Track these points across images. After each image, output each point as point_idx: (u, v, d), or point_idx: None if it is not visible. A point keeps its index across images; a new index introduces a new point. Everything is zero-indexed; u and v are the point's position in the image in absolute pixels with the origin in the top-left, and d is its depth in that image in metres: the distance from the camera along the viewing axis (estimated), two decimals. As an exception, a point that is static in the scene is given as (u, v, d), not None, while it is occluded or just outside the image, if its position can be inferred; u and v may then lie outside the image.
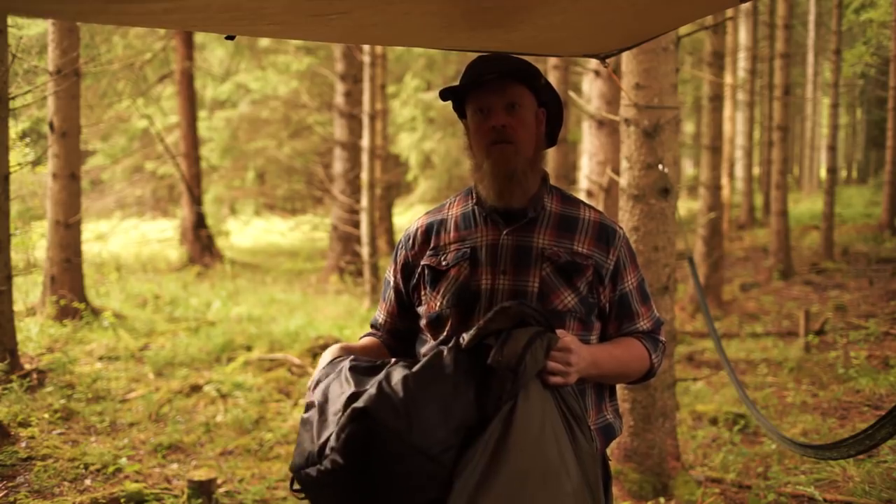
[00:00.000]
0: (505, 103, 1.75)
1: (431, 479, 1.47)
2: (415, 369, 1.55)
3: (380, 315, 2.02)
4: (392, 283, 1.96)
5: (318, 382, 1.69)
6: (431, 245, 1.87)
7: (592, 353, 1.70)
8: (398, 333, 1.97)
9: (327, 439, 1.53)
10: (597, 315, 1.81)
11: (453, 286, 1.78)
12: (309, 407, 1.65)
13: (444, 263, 1.82)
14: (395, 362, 1.64)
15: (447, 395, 1.51)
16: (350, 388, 1.61)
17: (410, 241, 1.91)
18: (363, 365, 1.69)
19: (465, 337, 1.57)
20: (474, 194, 1.87)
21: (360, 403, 1.50)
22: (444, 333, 1.78)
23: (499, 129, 1.74)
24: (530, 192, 1.79)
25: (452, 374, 1.53)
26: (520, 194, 1.77)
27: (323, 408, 1.61)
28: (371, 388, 1.54)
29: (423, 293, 1.85)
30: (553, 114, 1.87)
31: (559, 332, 1.62)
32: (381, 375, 1.57)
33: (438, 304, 1.79)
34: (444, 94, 1.83)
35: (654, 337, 1.88)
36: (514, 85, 1.77)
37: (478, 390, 1.53)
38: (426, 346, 1.84)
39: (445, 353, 1.56)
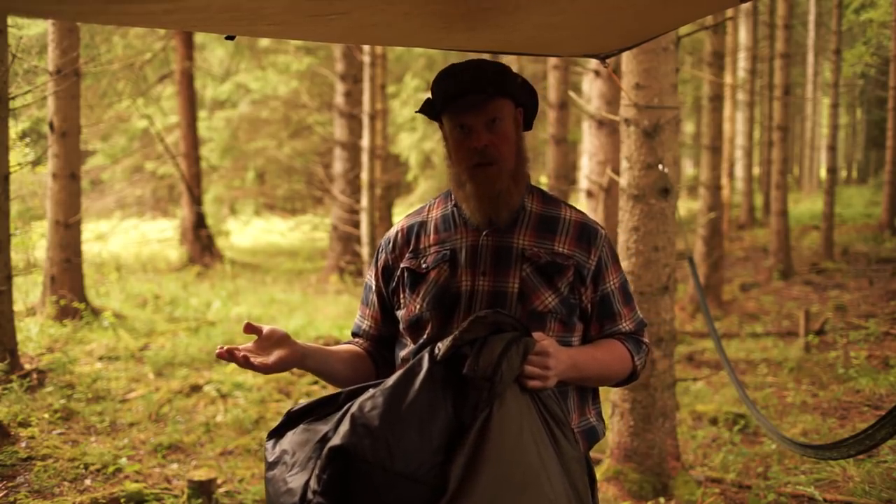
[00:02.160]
0: (485, 120, 1.71)
1: (422, 500, 1.43)
2: (387, 392, 1.49)
3: (363, 322, 1.95)
4: (374, 287, 1.91)
5: (274, 442, 1.63)
6: (411, 248, 1.84)
7: (572, 355, 1.69)
8: (384, 340, 1.92)
9: (306, 484, 1.47)
10: (578, 316, 1.79)
11: (433, 289, 1.76)
12: (272, 466, 1.58)
13: (423, 266, 1.80)
14: (361, 389, 1.59)
15: (424, 414, 1.47)
16: (318, 431, 1.56)
17: (391, 245, 1.88)
18: (315, 409, 1.64)
19: (440, 347, 1.54)
20: (454, 197, 1.84)
21: (336, 441, 1.44)
22: (424, 336, 1.76)
23: (481, 150, 1.71)
24: (515, 205, 1.77)
25: (427, 390, 1.49)
26: (506, 212, 1.76)
27: (289, 460, 1.56)
28: (344, 423, 1.48)
29: (402, 296, 1.83)
30: (530, 108, 1.84)
31: (537, 335, 1.60)
32: (354, 407, 1.49)
33: (418, 307, 1.77)
34: (422, 111, 1.80)
35: (636, 339, 1.86)
36: (492, 100, 1.72)
37: (455, 401, 1.50)
38: (405, 350, 1.82)
39: (417, 368, 1.52)
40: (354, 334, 1.97)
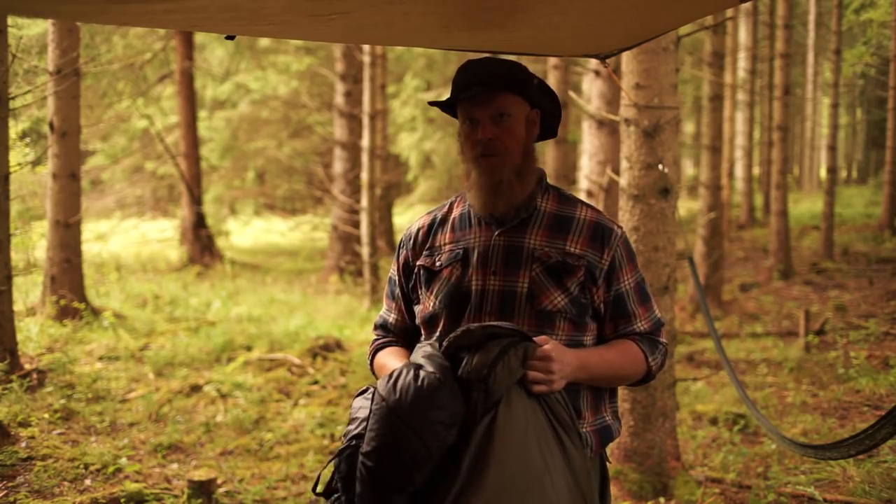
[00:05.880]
0: (491, 114, 1.76)
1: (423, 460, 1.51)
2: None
3: (389, 315, 2.01)
4: (397, 282, 1.98)
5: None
6: (428, 245, 1.90)
7: (580, 356, 1.70)
8: (411, 332, 1.97)
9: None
10: (591, 316, 1.80)
11: (446, 287, 1.81)
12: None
13: (437, 264, 1.85)
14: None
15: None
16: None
17: (411, 241, 1.94)
18: None
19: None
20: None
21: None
22: (437, 333, 1.81)
23: (485, 142, 1.76)
24: (516, 199, 1.80)
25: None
26: (503, 204, 1.79)
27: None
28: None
29: (419, 293, 1.88)
30: (549, 111, 1.87)
31: (540, 339, 1.63)
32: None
33: (432, 304, 1.83)
34: (434, 105, 1.85)
35: (652, 339, 1.85)
36: (501, 94, 1.76)
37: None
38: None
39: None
40: (381, 326, 2.03)
